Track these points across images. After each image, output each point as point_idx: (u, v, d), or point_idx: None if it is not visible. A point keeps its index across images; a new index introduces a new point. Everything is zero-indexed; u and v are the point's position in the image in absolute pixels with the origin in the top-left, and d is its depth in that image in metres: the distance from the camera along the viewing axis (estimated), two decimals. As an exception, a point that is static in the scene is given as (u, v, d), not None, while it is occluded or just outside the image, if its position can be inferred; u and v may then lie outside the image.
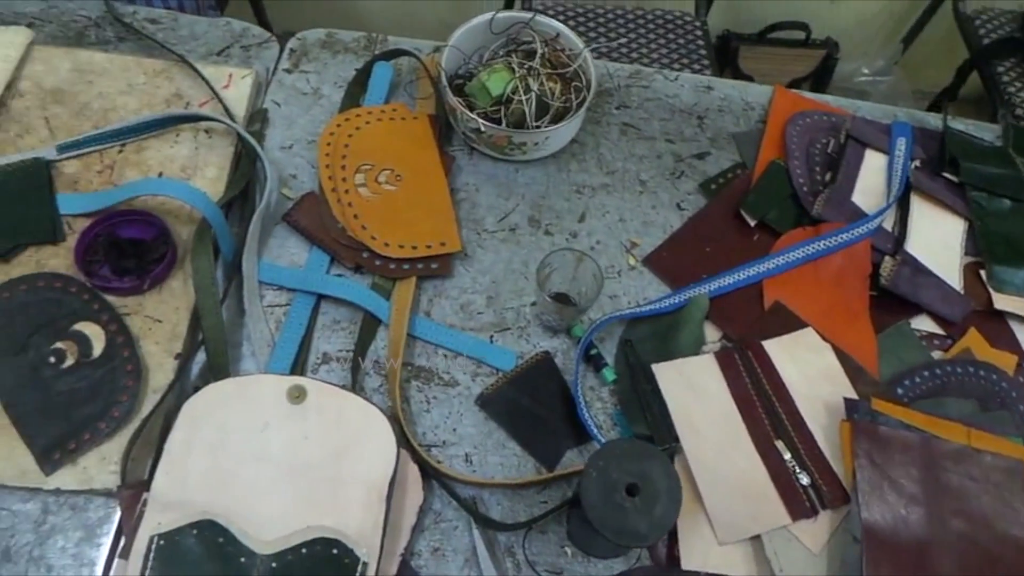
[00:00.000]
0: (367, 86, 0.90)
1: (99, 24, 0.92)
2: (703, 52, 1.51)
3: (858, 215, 0.85)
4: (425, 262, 0.78)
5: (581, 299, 0.76)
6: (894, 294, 0.80)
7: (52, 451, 0.64)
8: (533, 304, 0.79)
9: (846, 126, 0.92)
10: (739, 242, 0.85)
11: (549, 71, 0.85)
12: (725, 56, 1.89)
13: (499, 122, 0.83)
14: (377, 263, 0.78)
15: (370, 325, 0.75)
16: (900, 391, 0.75)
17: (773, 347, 0.76)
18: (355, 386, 0.71)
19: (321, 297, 0.77)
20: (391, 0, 1.82)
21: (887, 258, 0.82)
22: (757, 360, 0.75)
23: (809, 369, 0.75)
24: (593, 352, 0.76)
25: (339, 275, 0.78)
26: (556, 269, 0.74)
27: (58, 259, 0.74)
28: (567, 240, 0.83)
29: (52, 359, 0.68)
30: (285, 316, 0.75)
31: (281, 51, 0.94)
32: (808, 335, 0.78)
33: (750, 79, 1.84)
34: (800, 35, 1.86)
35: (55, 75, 0.85)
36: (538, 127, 0.83)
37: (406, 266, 0.78)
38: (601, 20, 1.54)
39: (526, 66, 0.84)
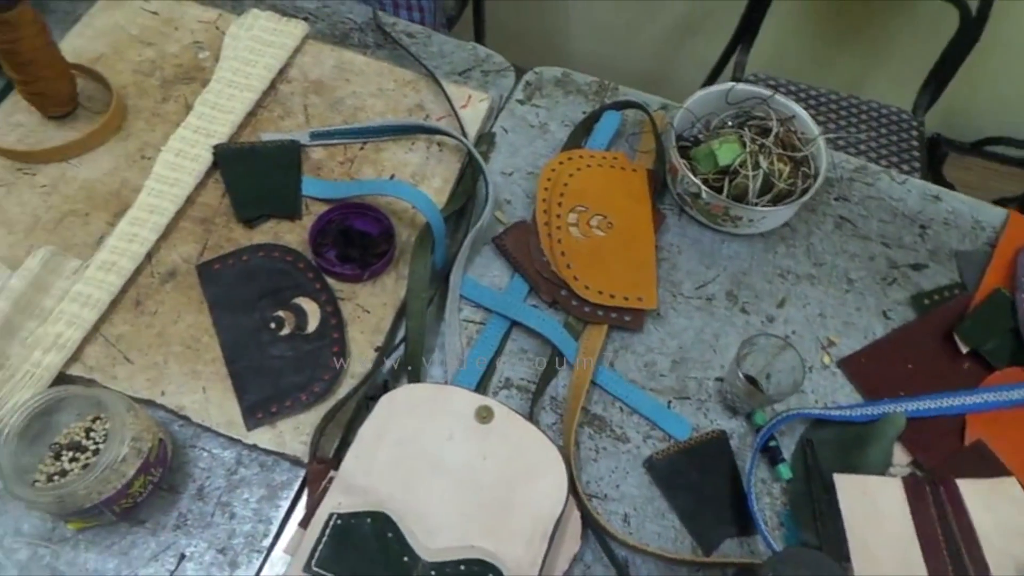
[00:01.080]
0: (592, 130, 0.92)
1: (363, 29, 1.00)
2: (915, 153, 1.45)
3: (1089, 369, 0.78)
4: (619, 313, 0.79)
5: (773, 388, 0.74)
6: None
7: (256, 409, 0.69)
8: (718, 379, 0.78)
9: (1088, 269, 0.85)
10: (946, 367, 0.80)
11: (780, 151, 0.84)
12: (931, 159, 1.80)
13: (719, 191, 0.83)
14: (573, 303, 0.79)
15: (554, 361, 0.77)
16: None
17: (968, 489, 0.71)
18: (532, 418, 0.73)
19: (514, 324, 0.79)
20: (600, 45, 1.87)
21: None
22: (949, 498, 0.70)
23: (1006, 522, 0.69)
24: (772, 444, 0.73)
25: (534, 306, 0.80)
26: (756, 352, 0.73)
27: (292, 235, 0.80)
28: (763, 323, 0.82)
29: (272, 325, 0.74)
30: (478, 334, 0.78)
31: (517, 82, 0.98)
32: (1010, 485, 0.72)
33: (951, 187, 1.74)
34: (1017, 153, 1.75)
35: (320, 68, 0.93)
36: (758, 204, 0.82)
37: (600, 312, 0.79)
38: (812, 101, 1.51)
39: (758, 142, 0.83)
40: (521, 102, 0.96)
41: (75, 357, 0.70)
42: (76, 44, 0.89)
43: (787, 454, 0.74)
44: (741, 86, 0.89)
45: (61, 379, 0.69)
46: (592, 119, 0.93)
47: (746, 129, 0.85)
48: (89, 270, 0.74)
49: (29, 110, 0.83)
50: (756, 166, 0.82)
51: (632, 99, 0.94)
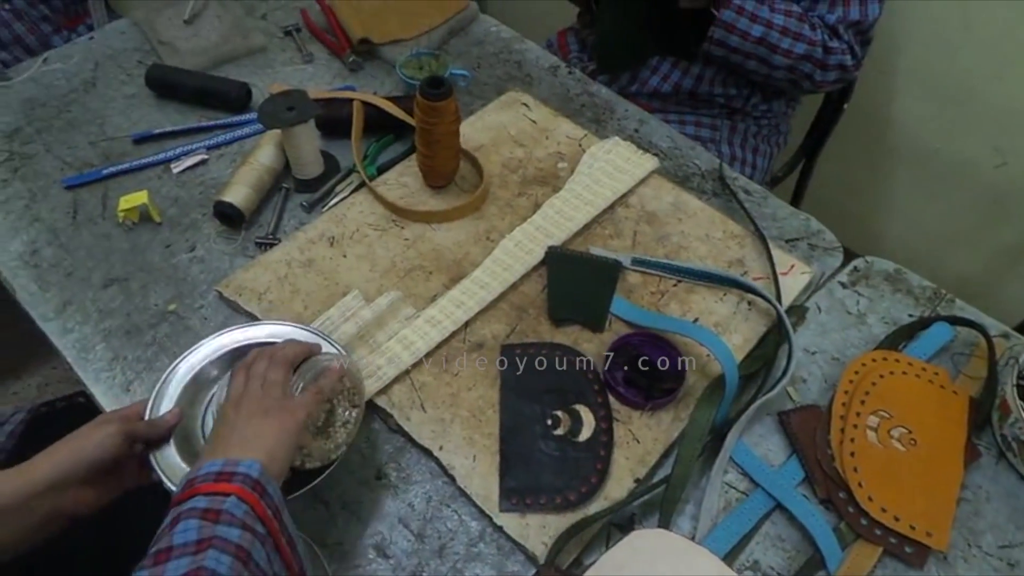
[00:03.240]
0: (916, 336, 0.87)
1: (704, 176, 1.05)
2: None
3: None
4: (900, 540, 0.72)
5: None
6: None
7: (513, 494, 0.73)
8: (1004, 663, 0.66)
9: None
10: None
11: None
12: None
13: (1058, 450, 0.73)
14: (850, 510, 0.73)
15: (813, 564, 0.71)
16: None
17: None
18: (773, 614, 0.68)
19: (778, 506, 0.75)
20: (925, 239, 1.76)
21: None
22: None
23: None
24: None
25: (805, 496, 0.76)
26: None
27: (590, 345, 0.85)
28: (1078, 619, 0.69)
29: (549, 421, 0.78)
30: (738, 503, 0.75)
31: (844, 264, 0.96)
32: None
33: None
34: None
35: (657, 202, 0.99)
36: (1106, 481, 0.71)
37: (879, 532, 0.72)
38: None
39: (1125, 412, 0.72)
40: (844, 285, 0.93)
41: (385, 390, 0.80)
42: (465, 132, 1.05)
43: None
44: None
45: (368, 404, 0.79)
46: (920, 325, 0.88)
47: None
48: (418, 320, 0.84)
49: (416, 175, 0.99)
50: (1116, 438, 0.71)
51: (971, 318, 0.87)
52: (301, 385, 0.66)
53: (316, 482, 0.66)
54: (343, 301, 0.85)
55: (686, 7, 1.12)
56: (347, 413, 0.70)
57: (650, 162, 1.02)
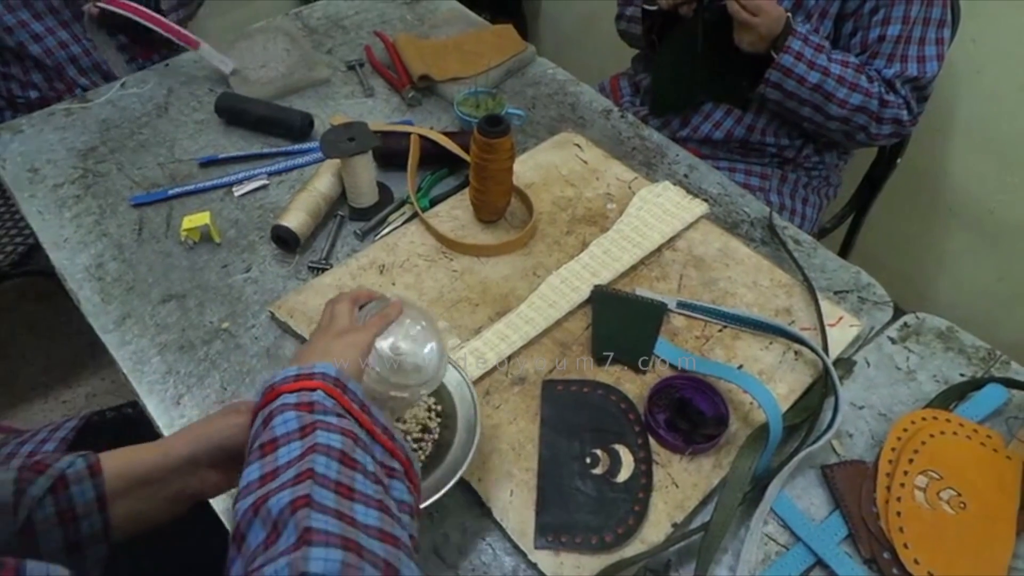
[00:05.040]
0: (968, 397, 0.85)
1: (753, 224, 1.05)
2: None
3: None
4: (947, 607, 0.69)
5: None
6: None
7: (548, 531, 0.73)
8: None
9: None
10: None
11: None
12: None
13: (1119, 525, 0.70)
14: (895, 572, 0.71)
15: (854, 625, 0.69)
16: None
17: None
18: (811, 675, 0.66)
19: (819, 562, 0.73)
20: (976, 301, 1.73)
21: None
22: None
23: None
24: None
25: (847, 554, 0.74)
26: None
27: (632, 385, 0.85)
28: None
29: (588, 459, 0.78)
30: (777, 556, 0.73)
31: (893, 319, 0.95)
32: None
33: None
34: None
35: (705, 246, 0.99)
36: None
37: (924, 597, 0.70)
38: None
39: None
40: (893, 340, 0.92)
41: (427, 417, 0.81)
42: (518, 169, 1.06)
43: None
44: None
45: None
46: (972, 386, 0.86)
47: None
48: (462, 351, 0.85)
49: (468, 209, 1.01)
50: None
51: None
52: (368, 317, 0.70)
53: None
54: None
55: (748, 51, 1.14)
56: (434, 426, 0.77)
57: (699, 207, 1.02)
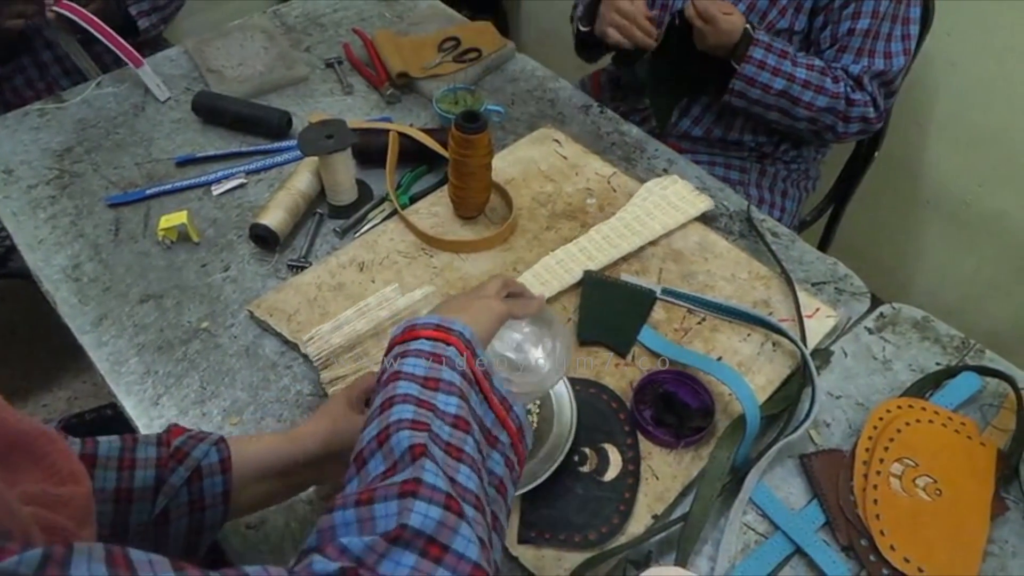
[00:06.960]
0: (943, 385, 0.86)
1: (732, 217, 1.06)
2: None
3: None
4: (923, 592, 0.70)
5: None
6: None
7: (532, 527, 0.73)
8: None
9: None
10: None
11: None
12: None
13: (1089, 508, 0.71)
14: (872, 559, 0.72)
15: (832, 612, 0.70)
16: None
17: None
18: (790, 661, 0.67)
19: (798, 551, 0.74)
20: (950, 289, 1.75)
21: None
22: None
23: None
24: None
25: (825, 541, 0.75)
26: None
27: (611, 379, 0.85)
28: None
29: (576, 457, 0.78)
30: (756, 545, 0.74)
31: (870, 310, 0.96)
32: None
33: None
34: None
35: (684, 240, 1.00)
36: None
37: (901, 582, 0.71)
38: None
39: None
40: (870, 331, 0.93)
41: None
42: (497, 165, 1.07)
43: None
44: None
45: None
46: (947, 374, 0.87)
47: None
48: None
49: (447, 205, 1.01)
50: None
51: (1001, 369, 0.86)
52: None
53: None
54: (382, 291, 0.90)
55: (705, 51, 1.13)
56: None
57: (704, 202, 1.03)
